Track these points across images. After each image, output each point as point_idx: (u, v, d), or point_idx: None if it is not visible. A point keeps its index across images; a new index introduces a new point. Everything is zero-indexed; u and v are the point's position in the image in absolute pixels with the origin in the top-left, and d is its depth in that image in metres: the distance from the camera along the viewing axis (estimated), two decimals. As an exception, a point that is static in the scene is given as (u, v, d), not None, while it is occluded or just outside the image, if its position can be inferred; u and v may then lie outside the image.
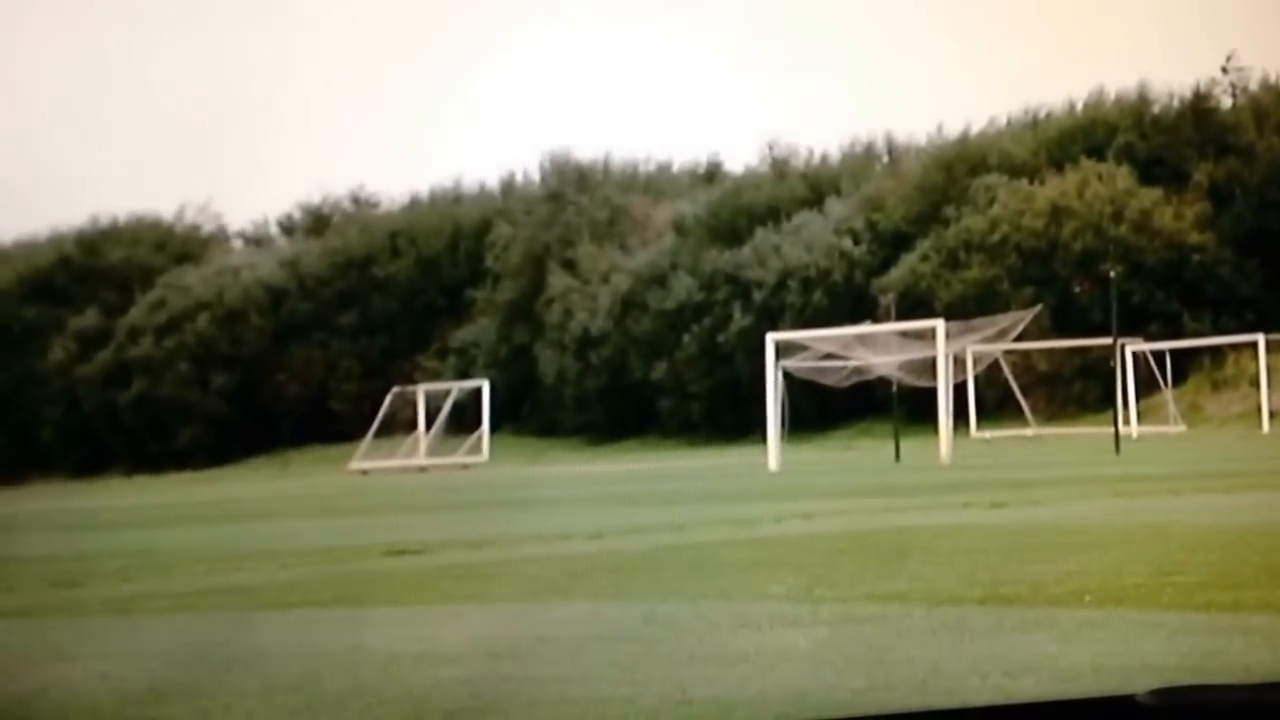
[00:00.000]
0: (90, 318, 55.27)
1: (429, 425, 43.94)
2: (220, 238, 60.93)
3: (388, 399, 45.07)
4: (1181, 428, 35.51)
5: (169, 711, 4.10)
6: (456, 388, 45.41)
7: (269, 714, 3.95)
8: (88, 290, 56.07)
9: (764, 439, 27.89)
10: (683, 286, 46.25)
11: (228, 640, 5.61)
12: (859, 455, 31.52)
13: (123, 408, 53.70)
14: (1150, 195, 41.41)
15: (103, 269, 56.54)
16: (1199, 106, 43.36)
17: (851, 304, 41.82)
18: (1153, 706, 2.29)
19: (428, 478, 34.87)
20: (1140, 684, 2.94)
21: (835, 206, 46.12)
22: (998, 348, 36.74)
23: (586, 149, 60.21)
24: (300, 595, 7.48)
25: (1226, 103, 43.83)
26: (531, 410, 49.53)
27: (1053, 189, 42.22)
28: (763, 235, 45.69)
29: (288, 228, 60.97)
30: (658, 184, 54.62)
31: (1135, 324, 37.03)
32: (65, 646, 5.85)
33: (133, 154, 78.34)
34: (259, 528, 14.87)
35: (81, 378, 54.46)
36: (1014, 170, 43.88)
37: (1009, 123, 47.82)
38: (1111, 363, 31.93)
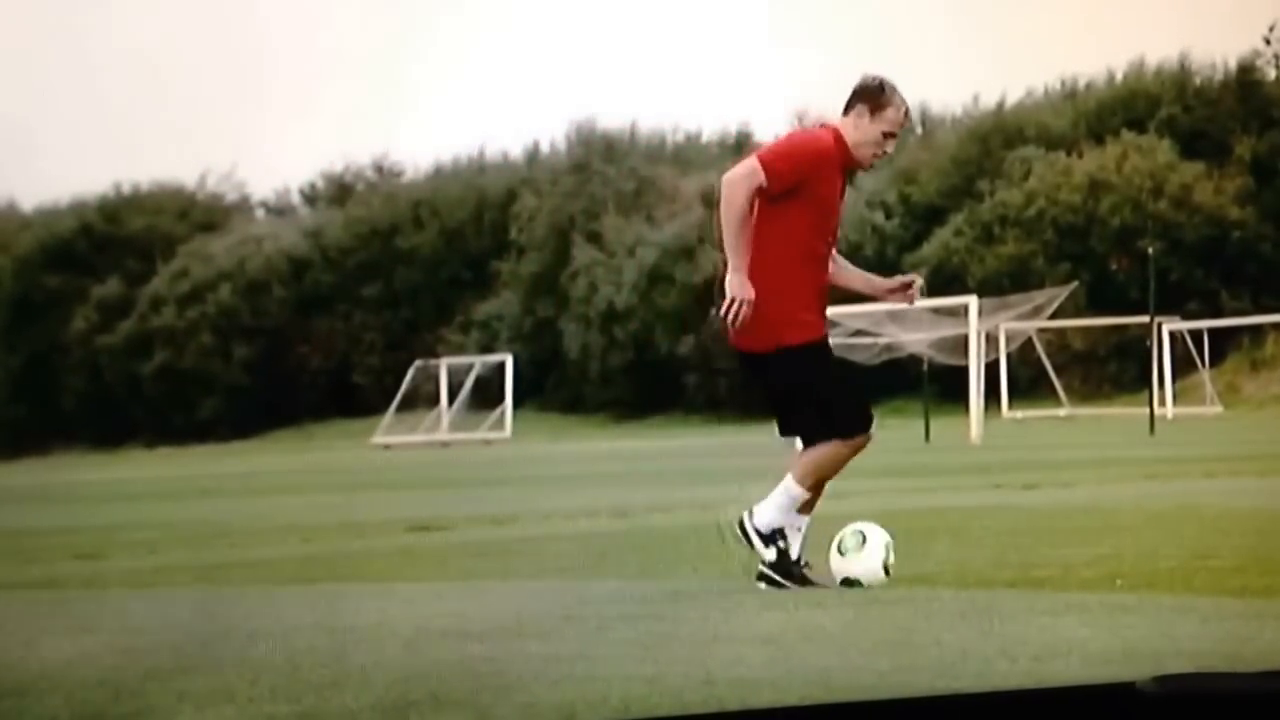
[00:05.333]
0: (112, 287, 55.50)
1: (451, 400, 44.02)
2: (243, 207, 61.06)
3: (410, 373, 45.14)
4: (1218, 409, 35.30)
5: (193, 685, 4.08)
6: (480, 362, 45.45)
7: (294, 688, 3.93)
8: (110, 259, 56.30)
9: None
10: (710, 260, 46.14)
11: (252, 614, 5.59)
12: (888, 434, 31.23)
13: (145, 378, 53.96)
14: (1191, 170, 41.06)
15: (125, 237, 56.74)
16: (1243, 79, 42.92)
17: (882, 280, 41.63)
18: (1152, 694, 2.27)
19: (450, 453, 34.97)
20: (1173, 669, 2.88)
21: (866, 179, 45.87)
22: (1031, 325, 36.55)
23: (613, 118, 60.04)
24: (324, 570, 7.48)
25: (1271, 75, 43.39)
26: (555, 386, 49.57)
27: (1091, 162, 41.89)
28: (790, 209, 45.56)
29: (310, 197, 61.03)
30: (686, 154, 54.45)
31: (1173, 302, 36.78)
32: (88, 619, 5.85)
33: (155, 121, 78.50)
34: (282, 502, 14.92)
35: (104, 347, 54.73)
36: (1051, 143, 43.54)
37: (1046, 94, 47.45)
38: (1148, 342, 31.73)
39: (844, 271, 6.10)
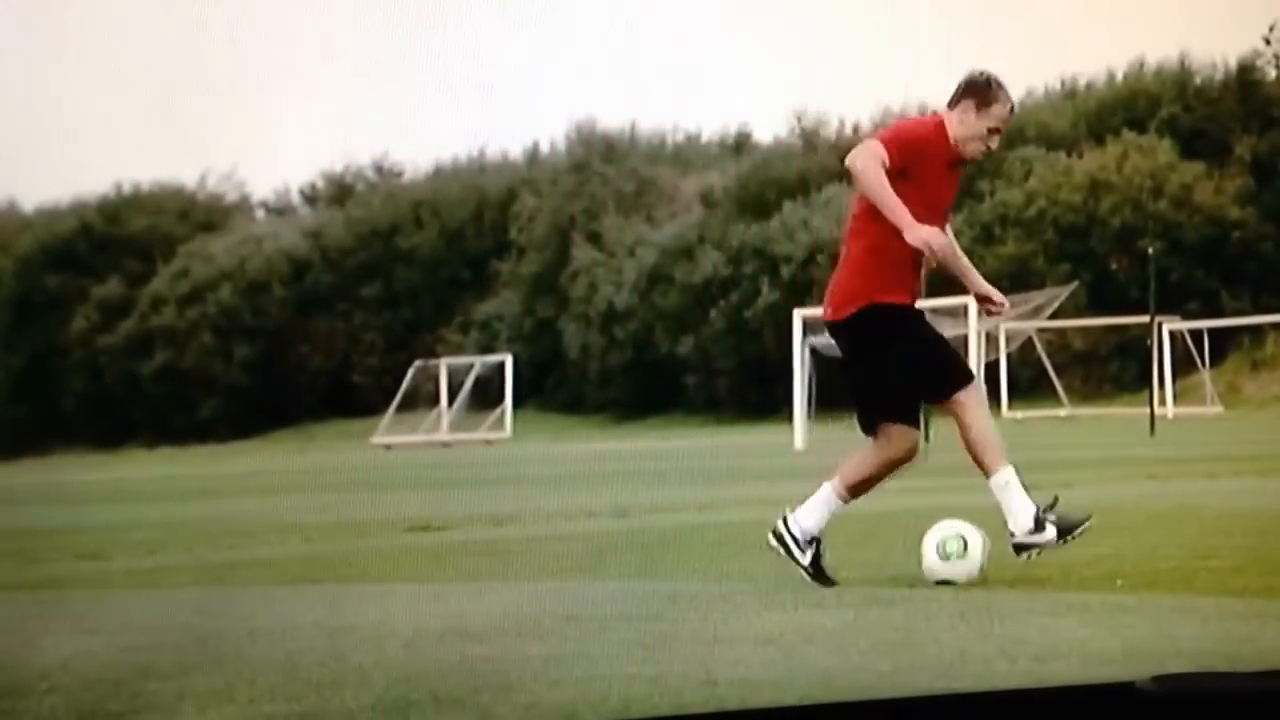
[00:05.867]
0: (113, 286, 55.48)
1: (451, 400, 44.03)
2: (243, 207, 61.02)
3: (410, 373, 45.15)
4: (1219, 409, 35.28)
5: (193, 684, 4.08)
6: (479, 362, 45.45)
7: (294, 688, 3.93)
8: (110, 259, 56.28)
9: (791, 417, 27.85)
10: (710, 260, 46.14)
11: (252, 614, 5.60)
12: (886, 434, 31.30)
13: (145, 378, 53.97)
14: (1191, 169, 41.05)
15: (125, 237, 56.72)
16: (1243, 78, 42.92)
17: (880, 280, 41.61)
18: (1152, 693, 2.27)
19: (450, 453, 34.94)
20: (1173, 670, 2.88)
21: (865, 180, 45.82)
22: (1032, 325, 36.55)
23: (613, 118, 60.00)
24: (325, 570, 7.48)
25: (1271, 74, 43.40)
26: (555, 386, 49.56)
27: (1091, 162, 41.88)
28: (791, 208, 45.54)
29: (311, 197, 61.02)
30: (686, 154, 54.42)
31: (1173, 302, 36.78)
32: (88, 619, 5.84)
33: (155, 121, 78.37)
34: (282, 502, 14.90)
35: (104, 347, 54.73)
36: (1051, 142, 43.52)
37: (1046, 94, 47.42)
38: (1148, 341, 31.69)
39: (955, 258, 6.21)
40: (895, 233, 5.80)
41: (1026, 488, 5.95)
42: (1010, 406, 36.68)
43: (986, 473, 5.90)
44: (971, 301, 27.17)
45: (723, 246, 46.15)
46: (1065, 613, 4.92)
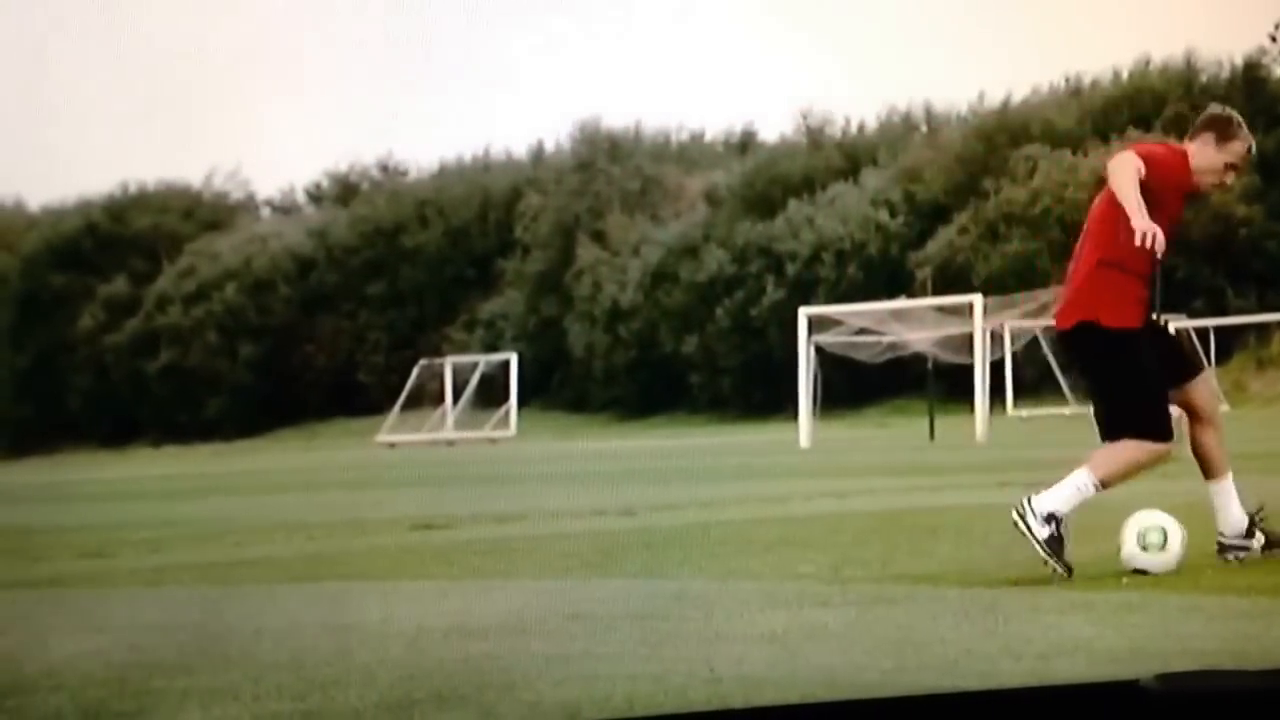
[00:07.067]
0: (119, 285, 55.54)
1: (456, 398, 44.04)
2: (248, 206, 61.06)
3: (415, 371, 45.17)
4: (1225, 407, 35.20)
5: (198, 683, 4.09)
6: (484, 361, 45.47)
7: (299, 686, 3.94)
8: (116, 257, 56.33)
9: (796, 416, 27.84)
10: (714, 259, 46.14)
11: (256, 612, 5.60)
12: (892, 433, 31.41)
13: (151, 377, 54.02)
14: (1196, 168, 41.01)
15: (130, 236, 56.78)
16: (1249, 76, 42.89)
17: (887, 278, 41.66)
18: (1156, 691, 2.27)
19: (455, 452, 34.95)
20: (1178, 668, 2.88)
21: (871, 177, 45.89)
22: (1037, 324, 36.52)
23: (618, 117, 59.98)
24: (329, 568, 7.49)
25: (1277, 72, 43.36)
26: (560, 384, 49.56)
27: (1097, 160, 41.85)
28: (796, 207, 45.53)
29: (316, 196, 61.05)
30: (690, 153, 54.42)
31: (1178, 300, 36.71)
32: (93, 617, 5.85)
33: (160, 120, 78.44)
34: (287, 500, 14.92)
35: (110, 346, 54.79)
36: (1057, 141, 43.48)
37: (1052, 91, 47.42)
38: (1153, 340, 31.66)
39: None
40: (1130, 249, 5.83)
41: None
42: (1015, 405, 36.67)
43: (1085, 468, 5.94)
44: (977, 299, 27.20)
45: (727, 245, 46.14)
46: (1070, 611, 4.92)
